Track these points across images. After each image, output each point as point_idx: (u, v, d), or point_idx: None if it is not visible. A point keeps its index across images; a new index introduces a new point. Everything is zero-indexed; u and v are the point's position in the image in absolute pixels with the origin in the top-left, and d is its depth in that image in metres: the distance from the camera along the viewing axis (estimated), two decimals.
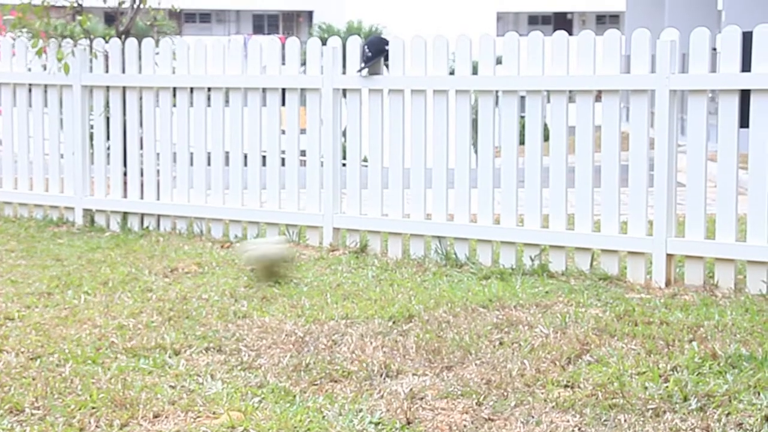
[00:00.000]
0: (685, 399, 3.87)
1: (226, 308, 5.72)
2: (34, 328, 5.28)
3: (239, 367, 4.54)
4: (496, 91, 7.12)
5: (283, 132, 8.01)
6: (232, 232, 8.03)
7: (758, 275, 6.03)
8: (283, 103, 8.00)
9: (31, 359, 4.69)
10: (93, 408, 3.90)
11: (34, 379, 4.31)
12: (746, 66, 6.04)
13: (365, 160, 7.84)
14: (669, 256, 6.34)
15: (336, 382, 4.29)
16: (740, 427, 3.67)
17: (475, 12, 45.49)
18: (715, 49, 6.55)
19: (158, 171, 8.49)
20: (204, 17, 34.52)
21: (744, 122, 6.18)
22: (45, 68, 8.67)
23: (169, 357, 4.73)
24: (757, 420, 3.74)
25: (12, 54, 9.30)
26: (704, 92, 6.25)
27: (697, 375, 4.28)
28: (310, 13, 34.95)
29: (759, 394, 3.99)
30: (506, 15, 52.24)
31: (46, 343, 4.96)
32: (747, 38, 6.11)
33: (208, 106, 8.25)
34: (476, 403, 3.88)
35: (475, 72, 7.12)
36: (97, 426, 3.75)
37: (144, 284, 6.50)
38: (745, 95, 6.11)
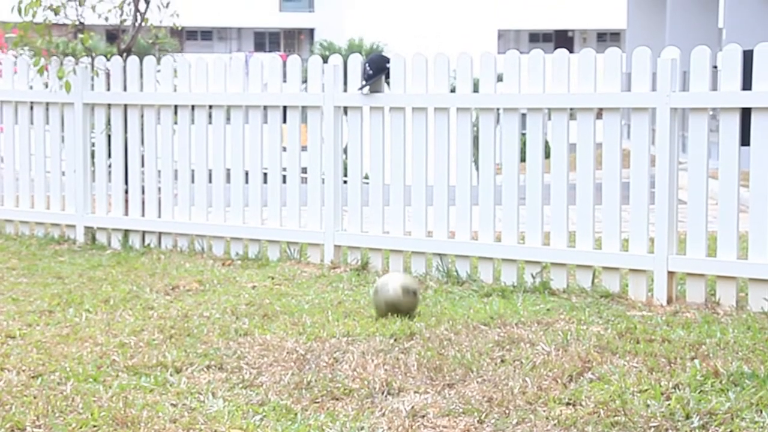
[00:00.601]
0: (687, 417, 3.85)
1: (227, 326, 5.71)
2: (36, 346, 5.27)
3: (240, 385, 4.52)
4: (498, 109, 7.14)
5: (285, 149, 7.99)
6: (233, 249, 8.07)
7: (760, 293, 6.01)
8: (285, 121, 8.00)
9: (33, 377, 4.68)
10: (94, 426, 3.89)
11: (35, 398, 4.30)
12: (747, 84, 6.04)
13: (366, 178, 7.86)
14: (670, 274, 6.32)
15: (337, 399, 4.26)
16: None
17: (476, 30, 45.54)
18: (716, 67, 6.59)
19: (159, 188, 8.51)
20: (205, 35, 34.59)
21: (745, 140, 6.19)
22: (47, 86, 8.68)
23: (171, 375, 4.72)
24: None
25: (14, 72, 9.32)
26: (705, 110, 6.25)
27: (699, 393, 4.26)
28: (311, 31, 34.94)
29: (761, 412, 3.97)
30: (507, 33, 52.29)
31: (48, 362, 4.96)
32: (748, 57, 6.12)
33: (210, 123, 8.27)
34: (478, 421, 3.88)
35: (476, 90, 7.15)
36: None
37: (145, 302, 6.49)
38: (746, 113, 6.12)
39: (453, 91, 7.26)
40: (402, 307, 5.57)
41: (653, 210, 6.61)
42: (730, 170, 6.15)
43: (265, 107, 7.91)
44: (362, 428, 3.82)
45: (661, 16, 25.18)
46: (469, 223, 7.19)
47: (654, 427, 3.76)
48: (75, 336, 5.54)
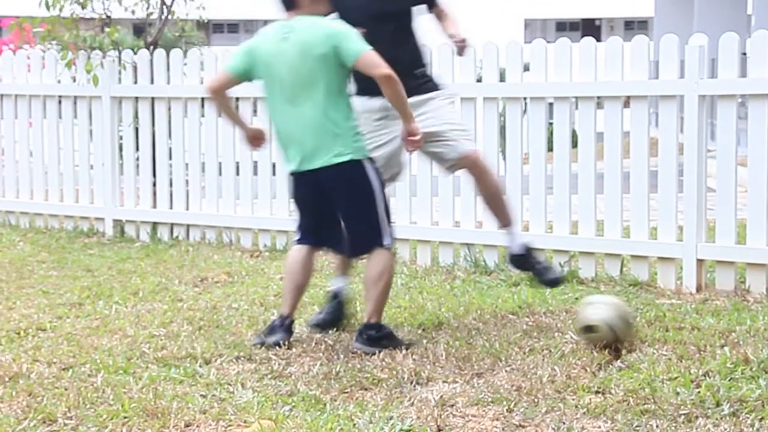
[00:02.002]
0: (718, 404, 3.85)
1: (255, 317, 5.73)
2: (66, 339, 5.34)
3: (269, 376, 4.54)
4: (524, 98, 7.11)
5: None
6: (261, 241, 8.08)
7: None
8: None
9: (63, 369, 4.72)
10: (125, 418, 3.94)
11: (66, 389, 4.34)
12: None
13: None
14: (699, 262, 6.30)
15: (366, 389, 4.28)
16: None
17: (503, 19, 45.24)
18: (745, 54, 6.52)
19: (187, 181, 8.51)
20: (232, 27, 34.63)
21: None
22: (75, 80, 8.71)
23: (200, 366, 4.74)
24: None
25: (42, 66, 9.30)
26: (734, 97, 6.23)
27: (729, 380, 4.27)
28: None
29: None
30: (534, 22, 51.69)
31: (78, 354, 5.00)
32: None
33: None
34: (507, 410, 3.89)
35: (502, 79, 7.14)
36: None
37: (174, 294, 6.53)
38: None
39: (479, 80, 7.27)
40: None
41: (681, 198, 6.56)
42: (760, 157, 6.11)
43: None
44: (391, 418, 3.82)
45: (689, 4, 24.90)
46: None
47: (684, 414, 3.76)
48: (105, 328, 5.57)
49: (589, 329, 4.86)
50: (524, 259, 5.65)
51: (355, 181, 4.88)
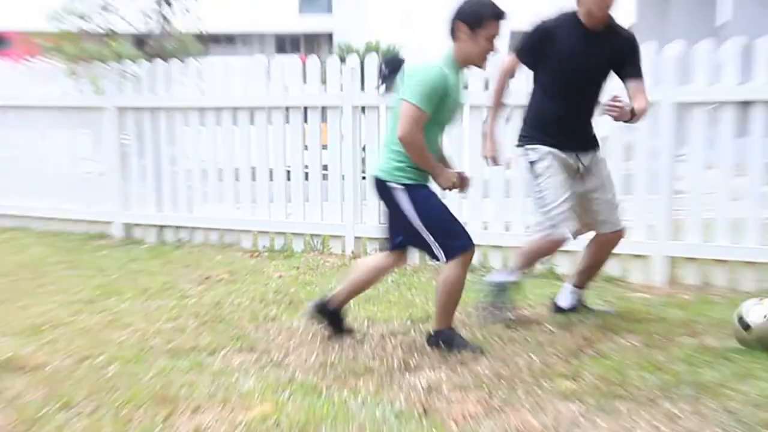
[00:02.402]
0: (680, 388, 4.04)
1: (256, 312, 5.88)
2: (81, 333, 5.46)
3: (270, 365, 4.68)
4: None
5: (306, 148, 8.10)
6: (260, 242, 8.23)
7: (751, 275, 6.18)
8: (306, 120, 8.10)
9: (80, 361, 4.83)
10: (138, 403, 4.07)
11: (83, 379, 4.49)
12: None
13: None
14: (668, 258, 6.50)
15: (359, 377, 4.44)
16: (731, 413, 3.77)
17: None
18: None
19: (189, 186, 8.66)
20: (229, 39, 34.28)
21: (742, 132, 6.39)
22: (81, 92, 8.86)
23: (206, 357, 4.89)
24: (746, 406, 3.86)
25: (49, 79, 9.41)
26: (704, 104, 6.35)
27: (690, 366, 4.46)
28: (330, 35, 34.87)
29: (747, 382, 4.15)
30: (516, 34, 52.45)
31: (93, 346, 5.12)
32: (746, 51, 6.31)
33: (234, 124, 8.25)
34: (488, 395, 4.03)
35: (486, 87, 7.20)
36: (142, 419, 3.92)
37: (180, 291, 6.66)
38: (744, 106, 6.30)
39: (466, 87, 7.28)
40: None
41: (652, 200, 6.75)
42: (726, 161, 6.29)
43: (287, 108, 8.05)
44: (382, 401, 3.97)
45: (666, 15, 25.10)
46: (480, 213, 7.25)
47: (649, 397, 3.96)
48: (117, 323, 5.70)
49: (744, 325, 4.73)
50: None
51: (384, 197, 4.95)
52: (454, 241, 4.81)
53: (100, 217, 9.10)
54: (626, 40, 5.31)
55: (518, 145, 5.50)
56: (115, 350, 5.13)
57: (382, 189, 4.92)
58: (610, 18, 5.25)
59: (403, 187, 4.80)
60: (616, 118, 5.01)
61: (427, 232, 4.84)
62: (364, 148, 7.91)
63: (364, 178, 7.80)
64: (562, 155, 5.18)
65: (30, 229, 9.52)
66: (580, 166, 5.23)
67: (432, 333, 5.04)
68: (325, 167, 8.03)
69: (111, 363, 4.85)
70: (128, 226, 8.96)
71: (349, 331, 5.40)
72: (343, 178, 7.80)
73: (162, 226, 8.74)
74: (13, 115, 9.72)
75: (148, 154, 8.79)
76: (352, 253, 7.89)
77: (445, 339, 4.89)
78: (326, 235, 8.05)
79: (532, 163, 5.26)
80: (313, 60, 8.09)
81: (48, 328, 5.68)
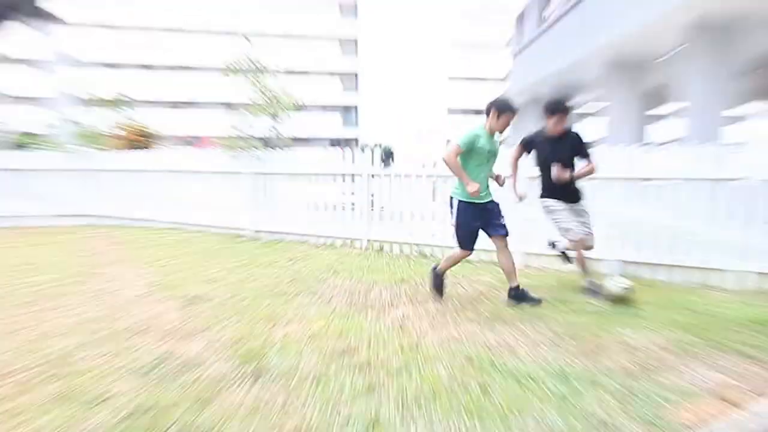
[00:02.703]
0: (526, 317, 5.36)
1: (316, 276, 6.96)
2: (230, 284, 6.56)
3: (323, 303, 5.80)
4: (446, 176, 8.44)
5: (343, 194, 9.52)
6: (320, 241, 9.88)
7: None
8: (343, 180, 9.71)
9: (231, 297, 5.97)
10: (259, 318, 5.27)
11: (232, 306, 5.73)
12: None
13: (382, 208, 9.18)
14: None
15: (369, 309, 5.52)
16: (554, 332, 4.99)
17: (437, 109, 50.72)
18: None
19: (286, 212, 10.43)
20: (305, 140, 41.00)
21: None
22: (233, 164, 10.92)
23: (291, 297, 5.98)
24: (564, 327, 5.04)
25: (217, 157, 11.61)
26: None
27: (538, 309, 5.77)
28: (357, 139, 43.06)
29: (570, 318, 5.45)
30: (455, 110, 51.67)
31: (237, 291, 6.23)
32: None
33: (308, 182, 10.26)
34: (432, 320, 5.22)
35: (435, 165, 8.62)
36: (261, 327, 5.09)
37: (279, 264, 7.78)
38: None
39: (425, 166, 8.81)
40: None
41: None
42: None
43: (333, 174, 9.79)
44: (379, 321, 5.19)
45: None
46: (431, 225, 8.62)
47: (513, 322, 5.29)
48: (249, 279, 6.86)
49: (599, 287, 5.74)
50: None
51: (450, 205, 5.81)
52: (458, 241, 5.69)
53: (241, 226, 10.73)
54: (575, 139, 6.06)
55: (540, 197, 6.29)
56: (248, 292, 6.18)
57: (450, 200, 5.72)
58: (564, 129, 6.05)
59: (462, 202, 5.62)
60: (559, 179, 5.95)
61: (456, 230, 5.76)
62: (372, 195, 9.27)
63: (372, 209, 9.12)
64: (561, 203, 6.21)
65: (205, 233, 11.10)
66: (571, 206, 6.22)
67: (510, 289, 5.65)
68: (352, 204, 9.40)
69: (245, 299, 5.95)
70: (254, 232, 10.51)
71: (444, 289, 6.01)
72: (361, 210, 9.32)
73: (271, 232, 10.29)
74: (194, 177, 11.81)
75: (265, 195, 10.41)
76: (365, 248, 9.12)
77: (516, 295, 5.82)
78: (352, 238, 9.37)
79: (546, 207, 6.25)
80: (347, 150, 9.58)
81: (215, 280, 6.76)
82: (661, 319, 5.30)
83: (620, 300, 5.70)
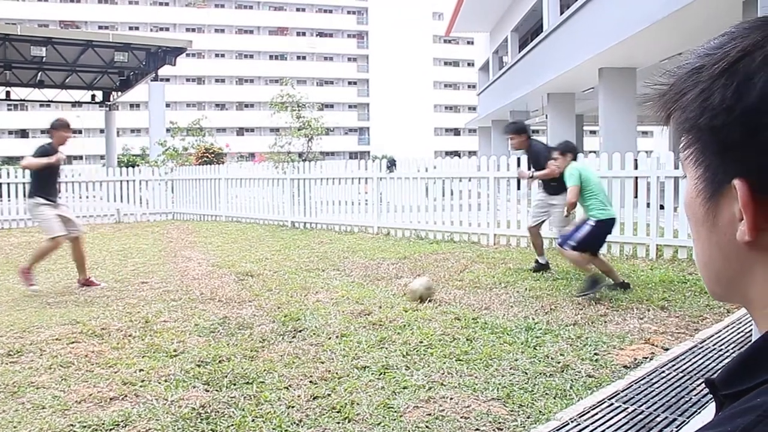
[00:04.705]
0: (505, 284, 5.11)
1: (340, 255, 6.88)
2: (275, 262, 6.55)
3: (344, 275, 5.73)
4: (438, 178, 8.58)
5: (359, 193, 9.59)
6: (342, 229, 9.70)
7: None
8: (359, 182, 9.69)
9: (274, 272, 5.94)
10: (294, 289, 5.13)
11: (276, 280, 5.60)
12: None
13: (388, 203, 9.11)
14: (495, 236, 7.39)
15: (379, 280, 5.43)
16: (518, 292, 4.82)
17: (426, 130, 50.84)
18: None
19: (317, 208, 10.36)
20: (330, 153, 41.52)
21: None
22: (277, 172, 10.92)
23: (319, 272, 5.95)
24: (523, 291, 4.87)
25: (265, 167, 11.61)
26: None
27: (505, 275, 5.53)
28: (368, 152, 42.91)
29: (527, 283, 5.22)
30: (440, 129, 52.14)
31: (279, 267, 6.18)
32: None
33: (336, 183, 10.06)
34: (427, 287, 4.87)
35: (426, 170, 8.53)
36: (297, 295, 4.94)
37: (310, 246, 7.64)
38: None
39: (419, 171, 8.63)
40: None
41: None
42: None
43: (352, 178, 9.71)
44: (388, 289, 5.02)
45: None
46: (423, 214, 8.54)
47: (489, 287, 5.01)
48: (287, 258, 6.77)
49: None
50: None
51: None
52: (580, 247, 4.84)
53: (279, 218, 10.57)
54: (533, 151, 5.77)
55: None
56: (287, 268, 6.07)
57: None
58: (524, 145, 5.77)
59: (594, 221, 4.77)
60: (521, 178, 5.79)
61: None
62: (381, 193, 9.10)
63: (381, 203, 8.96)
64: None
65: (255, 224, 10.93)
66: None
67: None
68: (366, 200, 9.38)
69: (285, 273, 5.81)
70: (292, 223, 10.30)
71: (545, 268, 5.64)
72: (373, 205, 9.15)
73: (305, 222, 10.18)
74: (249, 183, 11.70)
75: (300, 195, 10.31)
76: (375, 234, 8.74)
77: (588, 286, 4.73)
78: (366, 226, 9.06)
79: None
80: (362, 161, 9.54)
81: (262, 260, 6.72)
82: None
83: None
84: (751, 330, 3.47)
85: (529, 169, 5.86)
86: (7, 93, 16.89)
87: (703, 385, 2.83)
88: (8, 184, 11.28)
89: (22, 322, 4.19)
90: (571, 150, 5.03)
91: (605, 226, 4.67)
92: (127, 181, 12.51)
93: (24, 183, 11.09)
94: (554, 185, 5.35)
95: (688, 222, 0.46)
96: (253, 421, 2.55)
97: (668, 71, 0.45)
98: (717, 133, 0.40)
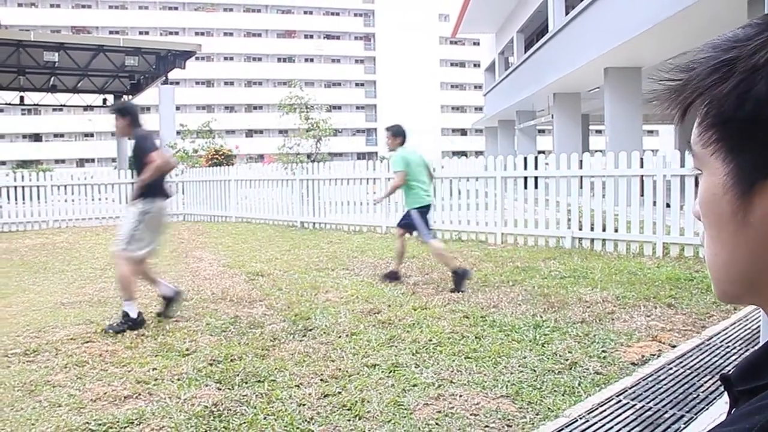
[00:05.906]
0: (513, 282, 5.04)
1: (349, 254, 6.89)
2: (285, 262, 6.58)
3: (353, 275, 5.76)
4: (450, 178, 8.56)
5: (367, 193, 9.42)
6: (351, 229, 9.67)
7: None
8: (367, 183, 9.64)
9: (284, 272, 5.96)
10: (305, 288, 5.16)
11: (285, 279, 5.68)
12: None
13: (396, 203, 8.94)
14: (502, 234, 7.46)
15: (386, 281, 5.32)
16: (526, 290, 4.71)
17: (432, 131, 50.85)
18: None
19: (325, 208, 10.32)
20: (338, 154, 41.60)
21: None
22: (286, 173, 10.87)
23: (329, 272, 5.95)
24: (533, 287, 4.71)
25: (275, 168, 11.47)
26: None
27: (509, 272, 5.53)
28: (376, 153, 43.86)
29: (535, 278, 5.10)
30: (447, 130, 51.02)
31: (288, 267, 6.21)
32: None
33: (344, 184, 10.01)
34: (437, 285, 5.15)
35: (434, 170, 8.09)
36: (307, 294, 4.99)
37: (319, 246, 7.68)
38: None
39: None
40: None
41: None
42: None
43: (360, 179, 9.68)
44: (397, 288, 5.07)
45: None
46: (432, 214, 7.99)
47: (500, 283, 5.04)
48: (296, 258, 6.78)
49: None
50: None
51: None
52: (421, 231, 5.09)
53: (288, 219, 10.57)
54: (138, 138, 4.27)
55: None
56: (297, 268, 6.11)
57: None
58: (126, 131, 4.31)
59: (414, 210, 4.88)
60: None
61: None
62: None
63: (389, 203, 8.96)
64: None
65: (265, 225, 10.85)
66: None
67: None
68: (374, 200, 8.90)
69: (295, 273, 5.89)
70: (301, 223, 10.29)
71: None
72: (381, 205, 9.10)
73: (314, 223, 10.09)
74: (258, 184, 11.63)
75: (309, 195, 10.34)
76: (384, 233, 8.72)
77: (456, 278, 5.01)
78: (375, 225, 8.99)
79: None
80: (371, 162, 9.56)
81: (273, 260, 6.73)
82: (607, 280, 5.17)
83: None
84: (758, 327, 3.45)
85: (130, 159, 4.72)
86: (21, 98, 16.89)
87: (711, 381, 2.83)
88: (23, 187, 11.54)
89: (38, 322, 4.27)
90: (400, 134, 5.13)
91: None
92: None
93: (39, 186, 11.59)
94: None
95: (704, 221, 0.44)
96: (264, 419, 2.57)
97: (678, 66, 0.44)
98: (763, 123, 0.38)
